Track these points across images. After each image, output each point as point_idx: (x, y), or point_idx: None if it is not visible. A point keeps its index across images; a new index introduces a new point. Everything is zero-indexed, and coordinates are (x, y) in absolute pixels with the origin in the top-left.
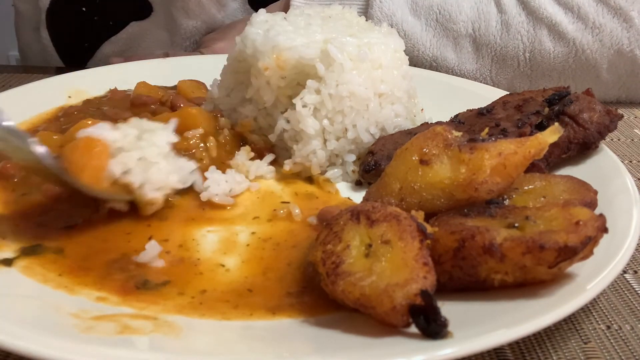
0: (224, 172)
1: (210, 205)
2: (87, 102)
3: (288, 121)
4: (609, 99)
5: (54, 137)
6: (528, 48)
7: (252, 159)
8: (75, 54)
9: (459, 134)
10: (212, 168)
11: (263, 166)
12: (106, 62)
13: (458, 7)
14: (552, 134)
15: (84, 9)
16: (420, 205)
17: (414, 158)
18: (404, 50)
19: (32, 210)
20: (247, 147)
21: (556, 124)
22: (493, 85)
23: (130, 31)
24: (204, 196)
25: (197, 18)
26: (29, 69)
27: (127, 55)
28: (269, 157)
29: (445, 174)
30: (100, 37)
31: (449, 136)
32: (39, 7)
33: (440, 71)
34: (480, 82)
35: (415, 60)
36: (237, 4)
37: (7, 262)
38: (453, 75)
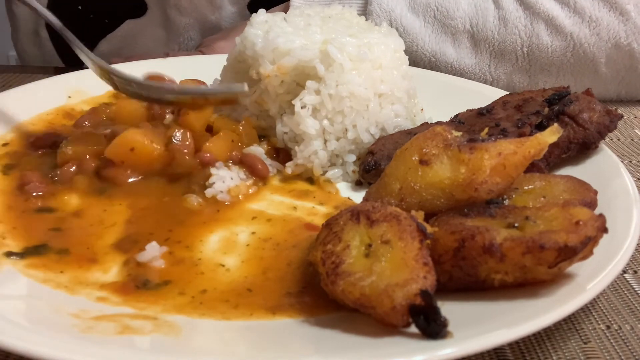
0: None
1: (211, 204)
2: (94, 111)
3: (286, 124)
4: (609, 95)
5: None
6: (526, 43)
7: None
8: (74, 53)
9: (459, 134)
10: (219, 163)
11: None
12: (104, 59)
13: (455, 3)
14: (551, 134)
15: (79, 7)
16: (420, 205)
17: (414, 158)
18: (404, 46)
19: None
20: (264, 144)
21: (556, 124)
22: (492, 81)
23: (125, 29)
24: (208, 193)
25: (189, 16)
26: (29, 69)
27: (124, 52)
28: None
29: (445, 174)
30: (96, 35)
31: (449, 136)
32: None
33: (439, 66)
34: (480, 77)
35: (415, 55)
36: (235, 8)
37: (8, 262)
38: (452, 70)
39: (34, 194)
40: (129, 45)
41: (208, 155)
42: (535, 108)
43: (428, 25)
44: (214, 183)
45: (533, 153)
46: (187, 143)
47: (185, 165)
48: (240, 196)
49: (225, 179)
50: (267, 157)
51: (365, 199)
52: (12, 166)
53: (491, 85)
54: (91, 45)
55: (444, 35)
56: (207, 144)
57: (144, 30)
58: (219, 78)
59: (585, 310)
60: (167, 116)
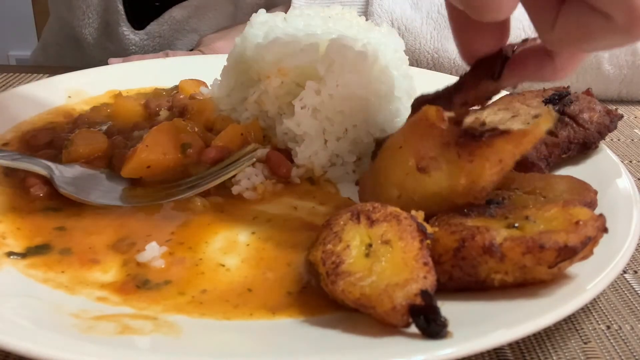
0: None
1: (215, 205)
2: (95, 110)
3: (286, 125)
4: (610, 94)
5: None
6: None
7: None
8: (143, 12)
9: (451, 114)
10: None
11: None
12: (172, 25)
13: None
14: (545, 122)
15: None
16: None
17: (410, 164)
18: (405, 44)
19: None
20: (266, 145)
21: (547, 107)
22: None
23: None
24: (234, 190)
25: None
26: (29, 69)
27: (192, 23)
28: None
29: (444, 184)
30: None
31: (443, 127)
32: None
33: (442, 62)
34: None
35: (418, 54)
36: None
37: (9, 262)
38: (455, 65)
39: (40, 194)
40: (199, 16)
41: (216, 150)
42: None
43: (430, 21)
44: (240, 180)
45: (530, 148)
46: (199, 147)
47: (199, 166)
48: (266, 195)
49: (250, 176)
50: None
51: (360, 192)
52: None
53: None
54: (166, 6)
55: (447, 30)
56: (216, 140)
57: (214, 4)
58: (219, 78)
59: (585, 310)
60: (162, 111)
